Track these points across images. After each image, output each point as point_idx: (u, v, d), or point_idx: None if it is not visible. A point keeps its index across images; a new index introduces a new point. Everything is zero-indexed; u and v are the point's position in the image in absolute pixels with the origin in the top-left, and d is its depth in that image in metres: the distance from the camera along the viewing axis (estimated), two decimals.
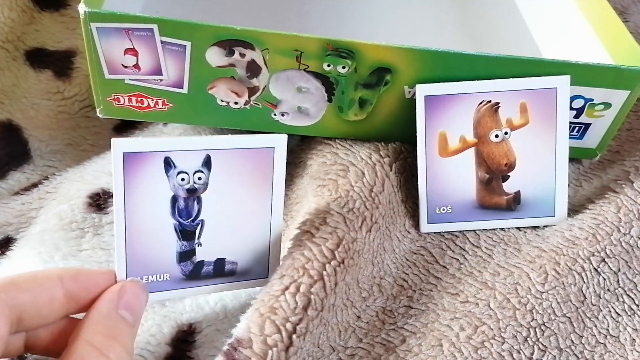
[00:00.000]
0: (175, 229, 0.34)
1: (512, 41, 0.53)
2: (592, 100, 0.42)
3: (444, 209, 0.42)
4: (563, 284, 0.38)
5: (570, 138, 0.42)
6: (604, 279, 0.39)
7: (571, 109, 0.42)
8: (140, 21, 0.37)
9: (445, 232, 0.42)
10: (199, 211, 0.34)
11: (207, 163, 0.33)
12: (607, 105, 0.42)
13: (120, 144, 0.31)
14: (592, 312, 0.38)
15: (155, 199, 0.33)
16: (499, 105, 0.40)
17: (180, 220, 0.34)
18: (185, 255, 0.35)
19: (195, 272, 0.35)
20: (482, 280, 0.39)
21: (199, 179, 0.33)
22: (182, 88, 0.40)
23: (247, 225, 0.35)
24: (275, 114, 0.42)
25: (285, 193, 0.44)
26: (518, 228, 0.42)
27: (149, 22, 0.37)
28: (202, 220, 0.34)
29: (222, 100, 0.40)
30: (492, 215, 0.42)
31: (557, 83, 0.40)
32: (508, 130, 0.41)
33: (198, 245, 0.35)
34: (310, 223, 0.37)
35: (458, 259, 0.41)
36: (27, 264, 0.38)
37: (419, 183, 0.41)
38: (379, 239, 0.40)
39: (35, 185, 0.44)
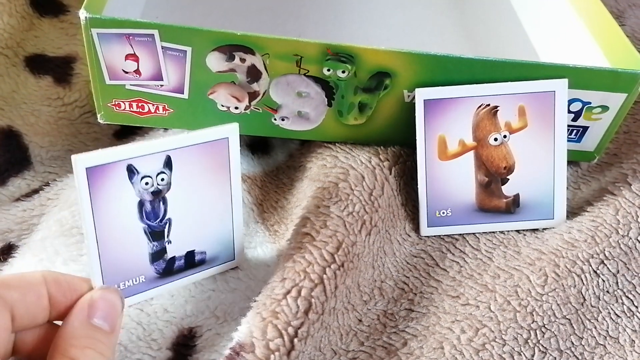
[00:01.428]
0: (145, 232, 0.35)
1: (510, 44, 0.53)
2: (590, 103, 0.42)
3: (443, 212, 0.42)
4: (563, 286, 0.38)
5: (568, 141, 0.43)
6: (603, 281, 0.39)
7: (569, 112, 0.42)
8: (141, 27, 0.37)
9: (445, 235, 0.42)
10: (165, 211, 0.35)
11: (168, 163, 0.34)
12: (605, 108, 0.42)
13: (81, 160, 0.31)
14: (591, 313, 0.38)
15: (122, 206, 0.33)
16: (498, 108, 0.40)
17: (149, 222, 0.35)
18: (157, 255, 0.36)
19: (169, 269, 0.36)
20: (482, 282, 0.39)
21: (162, 180, 0.34)
22: (183, 93, 0.40)
23: (211, 215, 0.37)
24: (275, 119, 0.42)
25: (285, 197, 0.44)
26: (517, 231, 0.43)
27: (150, 27, 0.37)
28: (170, 219, 0.35)
29: (222, 105, 0.41)
30: (492, 218, 0.42)
31: (555, 86, 0.40)
32: (507, 133, 0.41)
33: (168, 243, 0.36)
34: (311, 225, 0.37)
35: (458, 262, 0.41)
36: (29, 270, 0.38)
37: (418, 186, 0.41)
38: (379, 242, 0.40)
39: (36, 191, 0.44)
